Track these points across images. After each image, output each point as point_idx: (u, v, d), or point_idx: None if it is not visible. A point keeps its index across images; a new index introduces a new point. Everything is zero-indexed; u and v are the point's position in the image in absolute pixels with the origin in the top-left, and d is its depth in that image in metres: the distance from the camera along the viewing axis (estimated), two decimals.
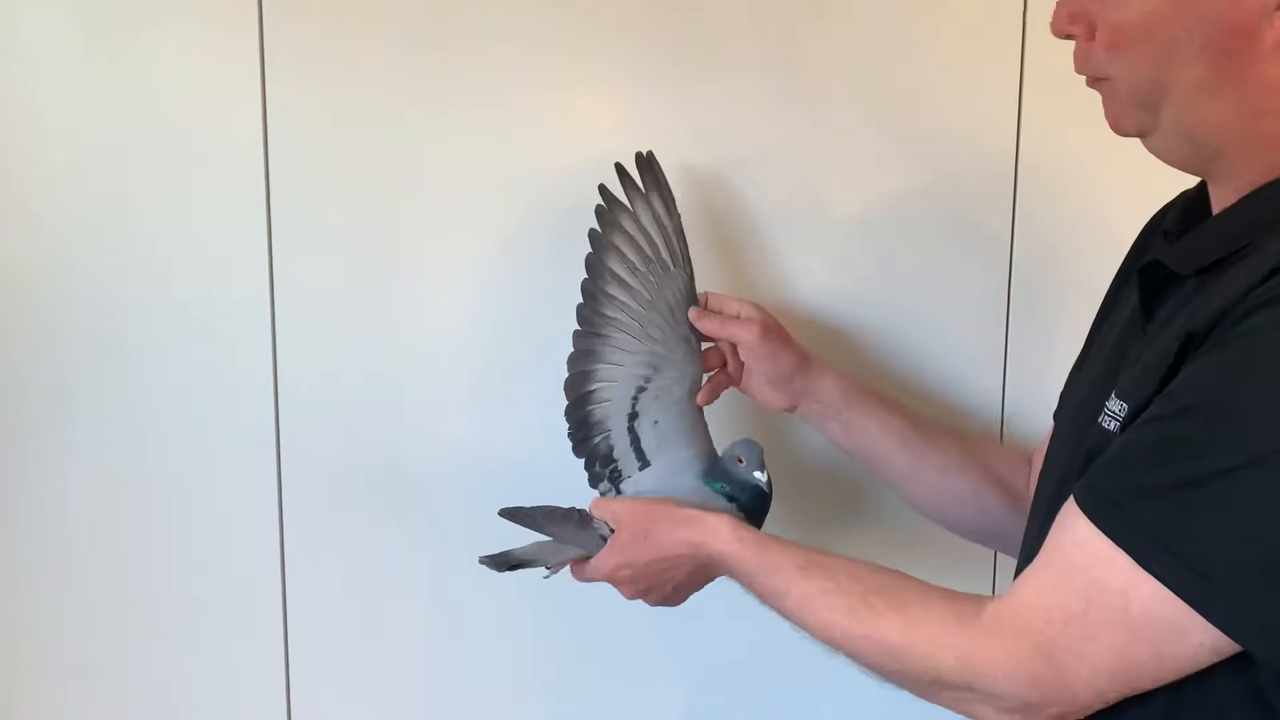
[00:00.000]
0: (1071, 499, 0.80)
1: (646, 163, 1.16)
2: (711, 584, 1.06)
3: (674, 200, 1.15)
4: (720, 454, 1.13)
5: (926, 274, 1.28)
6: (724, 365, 1.17)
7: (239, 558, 1.31)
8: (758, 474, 1.08)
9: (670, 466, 1.13)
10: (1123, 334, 0.92)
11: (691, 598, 1.08)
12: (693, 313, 1.14)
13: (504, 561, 1.10)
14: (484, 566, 1.11)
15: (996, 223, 1.27)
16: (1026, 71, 1.24)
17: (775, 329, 1.15)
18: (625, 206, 1.15)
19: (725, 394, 1.18)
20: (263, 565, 1.31)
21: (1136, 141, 0.86)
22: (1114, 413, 0.83)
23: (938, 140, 1.26)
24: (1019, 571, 0.93)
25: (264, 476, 1.29)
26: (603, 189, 1.15)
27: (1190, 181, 0.91)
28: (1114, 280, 1.03)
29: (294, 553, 1.31)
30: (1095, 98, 0.86)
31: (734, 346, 1.16)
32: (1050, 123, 1.25)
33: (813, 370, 1.15)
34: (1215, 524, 0.73)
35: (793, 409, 1.17)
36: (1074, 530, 0.79)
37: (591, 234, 1.15)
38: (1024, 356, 1.30)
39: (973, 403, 1.30)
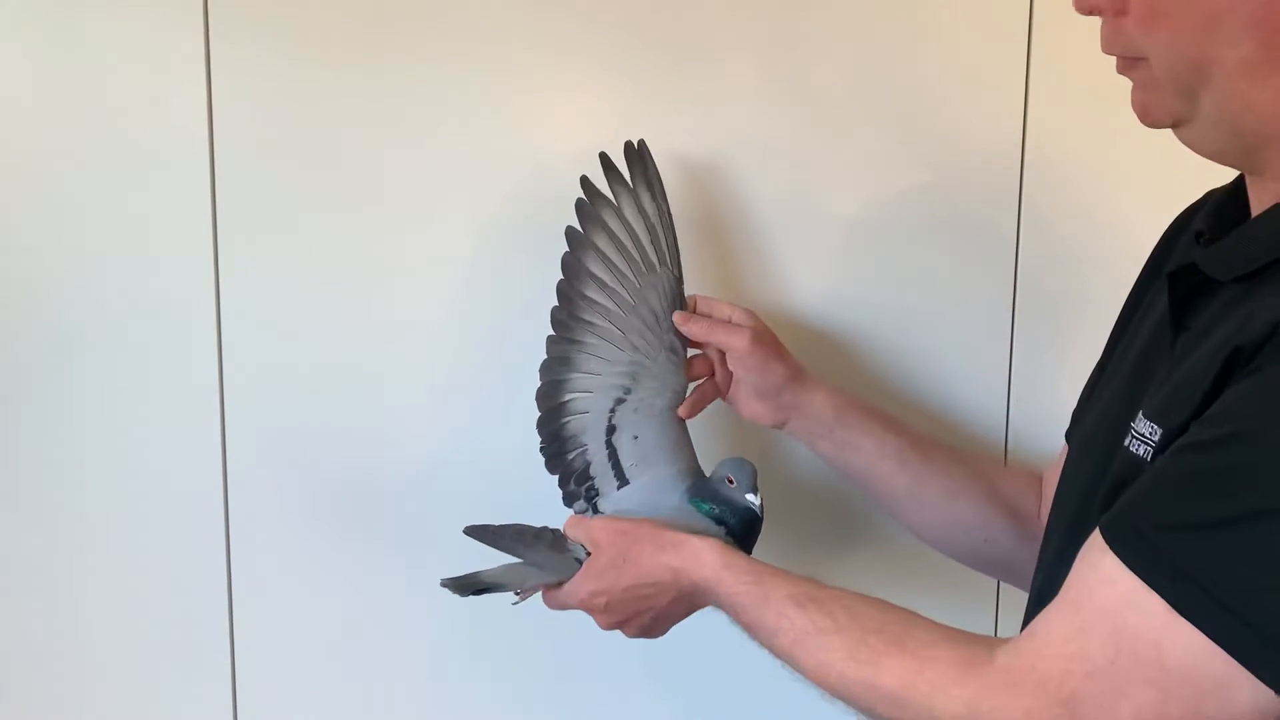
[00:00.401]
0: (1097, 532, 0.74)
1: (636, 153, 1.11)
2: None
3: (665, 193, 1.11)
4: (709, 473, 1.08)
5: (927, 277, 1.25)
6: (711, 374, 1.12)
7: (183, 570, 1.28)
8: (750, 496, 1.04)
9: (652, 485, 1.09)
10: (1148, 346, 0.87)
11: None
12: (678, 316, 1.10)
13: (468, 585, 1.06)
14: (446, 590, 1.06)
15: (1001, 222, 1.24)
16: (1033, 63, 1.20)
17: (767, 337, 1.11)
18: (609, 200, 1.11)
19: (714, 407, 1.14)
20: (208, 578, 1.28)
21: (1150, 135, 0.79)
22: (1144, 436, 0.77)
23: (940, 136, 1.22)
24: (1030, 607, 0.90)
25: (209, 485, 1.26)
26: (585, 181, 1.11)
27: (1214, 177, 0.86)
28: (1135, 286, 0.98)
29: (241, 568, 1.28)
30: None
31: (722, 355, 1.11)
32: (1058, 117, 1.21)
33: (804, 384, 1.11)
34: (1264, 567, 0.67)
35: (781, 425, 1.12)
36: (1100, 568, 0.73)
37: (569, 231, 1.11)
38: (1030, 368, 1.26)
39: (974, 417, 1.27)
